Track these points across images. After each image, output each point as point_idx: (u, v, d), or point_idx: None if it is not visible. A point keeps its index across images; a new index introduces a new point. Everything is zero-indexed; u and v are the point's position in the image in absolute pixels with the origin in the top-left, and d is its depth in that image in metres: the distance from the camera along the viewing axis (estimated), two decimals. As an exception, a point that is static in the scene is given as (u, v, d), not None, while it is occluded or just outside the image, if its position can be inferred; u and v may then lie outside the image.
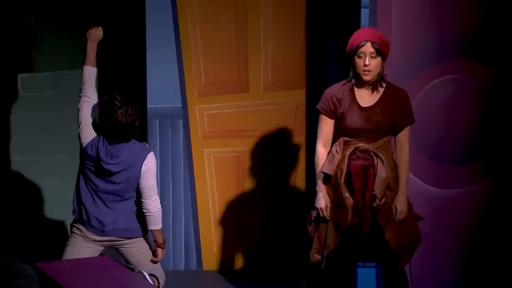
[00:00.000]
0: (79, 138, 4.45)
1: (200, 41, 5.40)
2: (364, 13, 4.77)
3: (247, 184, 5.51)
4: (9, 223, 6.13)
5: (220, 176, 5.50)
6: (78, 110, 4.49)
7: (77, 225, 4.52)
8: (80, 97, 4.51)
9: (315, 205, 4.23)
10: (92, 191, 4.47)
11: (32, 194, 6.13)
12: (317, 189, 4.23)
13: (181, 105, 5.42)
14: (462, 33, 4.72)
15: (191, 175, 5.48)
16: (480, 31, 4.73)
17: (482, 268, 4.84)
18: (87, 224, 4.47)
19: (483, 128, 4.78)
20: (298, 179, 5.50)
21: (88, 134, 4.42)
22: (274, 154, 5.48)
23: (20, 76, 6.11)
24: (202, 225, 5.51)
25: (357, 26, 4.84)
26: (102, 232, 4.47)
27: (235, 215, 5.53)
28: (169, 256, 5.48)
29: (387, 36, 4.28)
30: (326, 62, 5.41)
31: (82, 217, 4.48)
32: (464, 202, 4.66)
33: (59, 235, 5.91)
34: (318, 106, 4.29)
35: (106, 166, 4.35)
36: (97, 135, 4.41)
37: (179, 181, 5.48)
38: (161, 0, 5.34)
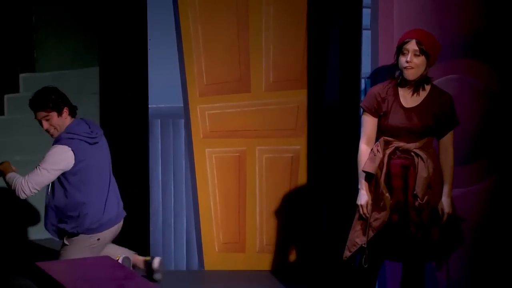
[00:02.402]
0: (70, 166, 4.74)
1: (201, 41, 5.40)
2: (366, 13, 4.77)
3: (249, 183, 5.51)
4: (9, 223, 6.13)
5: (221, 175, 5.50)
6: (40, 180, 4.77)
7: (89, 238, 4.65)
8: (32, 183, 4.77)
9: (357, 202, 4.27)
10: (98, 188, 4.66)
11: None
12: (359, 186, 4.28)
13: (182, 105, 5.42)
14: (464, 33, 4.72)
15: (192, 175, 5.48)
16: (482, 31, 4.72)
17: (483, 268, 4.84)
18: (107, 224, 4.61)
19: (484, 129, 4.77)
20: (300, 178, 5.50)
21: (77, 151, 4.75)
22: (276, 154, 5.48)
23: (21, 76, 6.12)
24: (204, 224, 5.51)
25: (358, 26, 4.84)
26: (117, 218, 4.71)
27: (236, 215, 5.53)
28: (171, 256, 5.48)
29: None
30: (327, 62, 5.41)
31: (100, 225, 4.61)
32: (465, 203, 4.65)
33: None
34: (362, 104, 4.32)
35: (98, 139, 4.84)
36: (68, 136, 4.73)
37: (181, 181, 5.48)
38: (163, 0, 5.34)
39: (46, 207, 4.93)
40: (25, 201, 6.15)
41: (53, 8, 6.17)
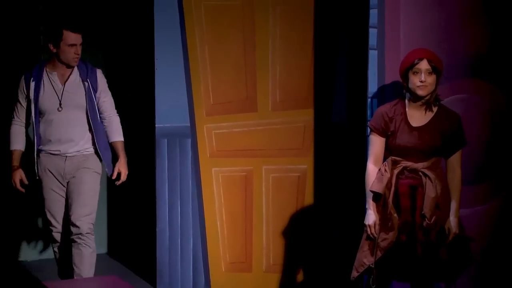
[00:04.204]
0: None
1: (208, 60, 5.41)
2: (372, 33, 4.78)
3: (255, 203, 5.50)
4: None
5: (228, 195, 5.50)
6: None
7: None
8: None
9: (364, 222, 4.26)
10: None
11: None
12: (367, 206, 4.28)
13: (189, 124, 5.43)
14: (470, 53, 4.72)
15: (199, 194, 5.47)
16: (489, 51, 4.73)
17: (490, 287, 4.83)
18: None
19: (491, 148, 4.77)
20: (307, 198, 5.49)
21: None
22: (282, 174, 5.48)
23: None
24: (210, 244, 5.50)
25: (365, 45, 4.85)
26: None
27: (243, 234, 5.52)
28: (177, 276, 5.47)
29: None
30: (334, 81, 5.42)
31: None
32: (473, 222, 4.64)
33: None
34: (369, 124, 4.33)
35: None
36: None
37: (187, 200, 5.47)
38: (170, 20, 5.35)
39: (96, 138, 4.93)
40: (30, 220, 6.16)
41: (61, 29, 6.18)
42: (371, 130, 4.31)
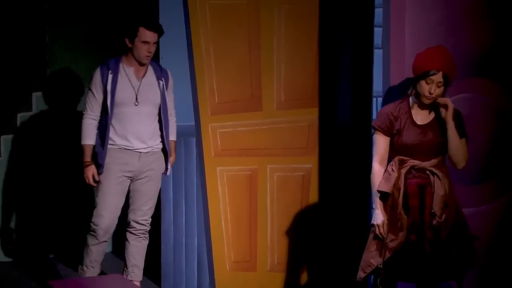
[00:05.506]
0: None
1: (213, 59, 5.41)
2: (378, 32, 4.78)
3: (260, 202, 5.50)
4: (22, 241, 6.14)
5: (232, 194, 5.50)
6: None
7: None
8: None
9: (372, 221, 4.25)
10: None
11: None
12: (374, 206, 4.28)
13: (194, 124, 5.43)
14: (477, 51, 4.72)
15: (203, 194, 5.48)
16: (494, 50, 4.72)
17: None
18: None
19: (496, 148, 4.76)
20: (311, 197, 5.49)
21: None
22: (287, 173, 5.48)
23: (34, 94, 6.14)
24: (215, 243, 5.50)
25: (370, 44, 4.84)
26: None
27: (248, 234, 5.52)
28: (182, 275, 5.47)
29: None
30: (339, 80, 5.41)
31: None
32: (477, 222, 4.64)
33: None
34: (374, 124, 4.34)
35: None
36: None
37: (192, 199, 5.48)
38: (175, 19, 5.36)
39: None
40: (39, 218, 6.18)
41: (66, 27, 6.21)
42: (375, 130, 4.31)
